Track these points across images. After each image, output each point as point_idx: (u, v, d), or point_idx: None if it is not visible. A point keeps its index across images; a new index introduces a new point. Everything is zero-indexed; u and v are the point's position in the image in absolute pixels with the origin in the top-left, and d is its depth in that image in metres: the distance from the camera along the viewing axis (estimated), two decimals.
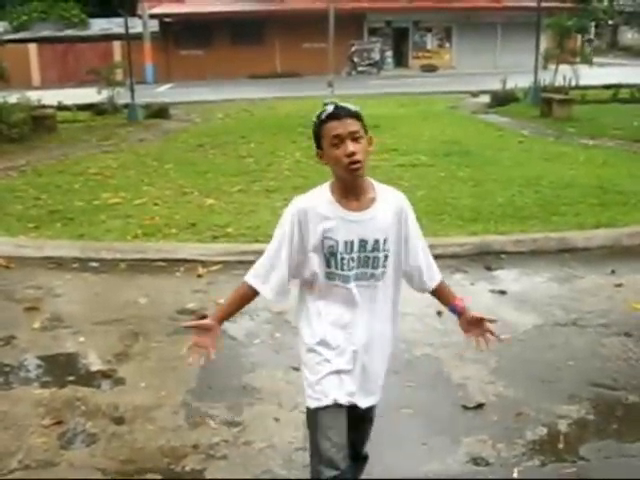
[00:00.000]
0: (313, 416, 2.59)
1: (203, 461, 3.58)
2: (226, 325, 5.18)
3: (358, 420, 2.76)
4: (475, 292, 5.89)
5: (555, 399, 4.13)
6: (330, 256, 2.58)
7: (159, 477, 3.48)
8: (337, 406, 2.56)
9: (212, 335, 2.68)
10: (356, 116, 2.53)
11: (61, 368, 4.71)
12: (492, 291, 5.89)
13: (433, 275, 2.82)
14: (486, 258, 6.64)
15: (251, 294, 2.71)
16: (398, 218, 2.65)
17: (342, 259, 2.58)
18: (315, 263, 2.60)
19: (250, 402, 4.15)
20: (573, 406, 4.05)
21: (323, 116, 2.52)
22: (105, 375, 4.56)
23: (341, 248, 2.57)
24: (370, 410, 2.81)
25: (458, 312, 2.89)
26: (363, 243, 2.58)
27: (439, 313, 5.38)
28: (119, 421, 3.98)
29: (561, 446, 3.68)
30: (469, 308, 2.88)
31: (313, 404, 2.59)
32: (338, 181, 2.59)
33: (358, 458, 2.95)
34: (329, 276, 2.61)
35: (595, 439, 3.74)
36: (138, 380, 4.46)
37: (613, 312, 5.41)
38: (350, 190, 2.58)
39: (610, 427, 3.87)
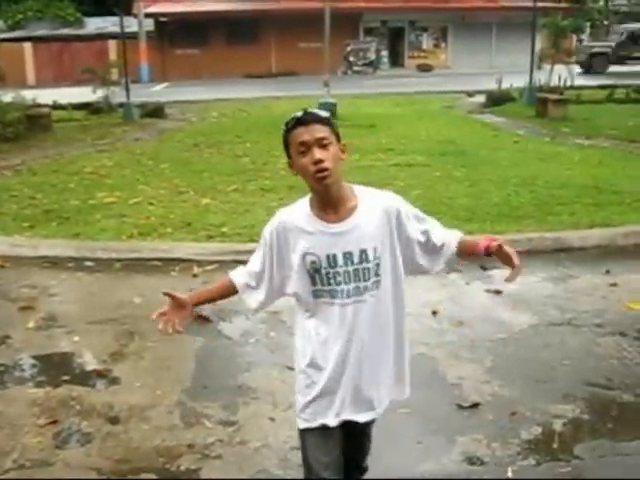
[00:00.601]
0: (303, 437, 2.55)
1: (198, 461, 3.58)
2: (221, 325, 5.23)
3: (356, 434, 2.70)
4: (470, 292, 5.90)
5: (550, 398, 4.14)
6: (314, 273, 2.44)
7: (154, 477, 3.47)
8: (326, 428, 2.50)
9: (183, 313, 2.62)
10: (325, 122, 2.38)
11: (56, 368, 4.70)
12: (487, 291, 5.89)
13: (450, 243, 2.68)
14: (481, 257, 6.63)
15: (232, 291, 2.66)
16: (387, 220, 2.47)
17: (327, 274, 2.43)
18: (300, 281, 2.47)
19: (245, 401, 4.14)
20: (568, 405, 4.06)
21: (290, 123, 2.40)
22: (100, 374, 4.55)
23: (324, 263, 2.42)
24: (368, 425, 2.71)
25: (487, 253, 2.69)
26: (348, 256, 2.42)
27: (434, 313, 5.40)
28: (114, 420, 3.97)
29: (556, 445, 3.68)
30: (498, 246, 2.67)
31: (302, 425, 2.53)
32: (313, 193, 2.45)
33: (358, 469, 2.91)
34: (316, 294, 2.47)
35: (589, 438, 3.75)
36: (133, 379, 4.45)
37: (608, 312, 5.42)
38: (326, 201, 2.42)
39: (604, 426, 3.88)
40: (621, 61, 32.62)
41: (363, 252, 2.43)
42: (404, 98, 22.82)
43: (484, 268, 6.39)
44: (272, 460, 3.55)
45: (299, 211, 2.48)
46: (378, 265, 2.46)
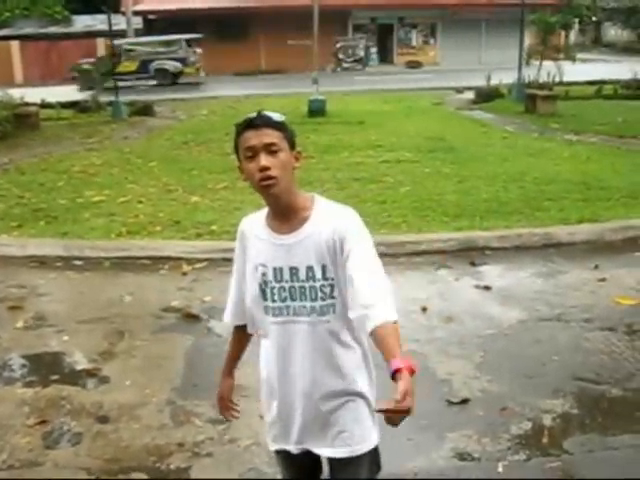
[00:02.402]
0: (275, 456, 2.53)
1: (188, 459, 3.58)
2: (212, 323, 5.22)
3: (336, 472, 2.40)
4: (459, 288, 5.91)
5: (539, 394, 4.15)
6: (264, 286, 2.26)
7: (144, 476, 3.47)
8: (290, 453, 2.38)
9: (228, 394, 2.61)
10: (277, 127, 2.18)
11: (45, 367, 4.68)
12: (477, 287, 5.90)
13: (375, 315, 2.04)
14: (471, 254, 6.66)
15: (241, 331, 2.51)
16: (333, 241, 2.17)
17: (272, 289, 2.25)
18: (252, 295, 2.31)
19: (235, 400, 4.13)
20: (557, 400, 4.07)
21: (241, 125, 2.22)
22: (90, 374, 4.54)
23: (271, 276, 2.24)
24: (347, 464, 2.33)
25: (391, 372, 2.00)
26: (294, 271, 2.21)
27: (424, 309, 5.40)
28: (104, 420, 3.96)
29: (545, 440, 3.70)
30: (403, 377, 1.97)
31: (270, 445, 2.47)
32: (265, 201, 2.27)
33: None
34: (265, 310, 2.28)
35: (579, 433, 3.77)
36: (123, 378, 4.44)
37: (597, 307, 5.44)
38: (275, 210, 2.25)
39: (594, 421, 3.89)
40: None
41: (310, 269, 2.20)
42: (393, 95, 22.82)
43: (473, 264, 6.41)
44: (262, 458, 3.55)
45: (258, 219, 2.32)
46: (332, 286, 2.20)
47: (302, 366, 2.26)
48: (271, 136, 2.16)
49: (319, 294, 2.21)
